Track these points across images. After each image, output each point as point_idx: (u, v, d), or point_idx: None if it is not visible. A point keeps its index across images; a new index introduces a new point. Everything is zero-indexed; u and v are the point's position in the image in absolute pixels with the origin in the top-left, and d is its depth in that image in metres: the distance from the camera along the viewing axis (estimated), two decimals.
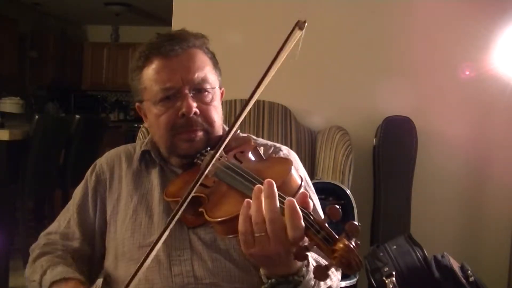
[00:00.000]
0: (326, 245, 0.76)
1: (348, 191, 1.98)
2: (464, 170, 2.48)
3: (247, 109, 0.92)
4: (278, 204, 0.81)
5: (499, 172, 2.48)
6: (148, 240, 1.09)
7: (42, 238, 1.21)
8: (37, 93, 6.87)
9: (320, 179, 2.10)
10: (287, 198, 0.81)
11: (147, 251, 0.88)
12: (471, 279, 1.73)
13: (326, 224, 0.79)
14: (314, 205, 1.15)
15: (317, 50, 2.39)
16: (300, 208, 0.80)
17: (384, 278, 1.68)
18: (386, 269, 1.74)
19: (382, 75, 2.46)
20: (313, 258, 0.96)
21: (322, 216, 1.15)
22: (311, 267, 0.89)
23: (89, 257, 1.20)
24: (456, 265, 1.80)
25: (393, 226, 2.25)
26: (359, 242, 0.76)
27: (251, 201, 0.83)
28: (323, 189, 1.93)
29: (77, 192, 1.24)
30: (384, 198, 2.28)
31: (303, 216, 0.80)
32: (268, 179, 0.83)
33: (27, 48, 6.64)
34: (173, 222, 0.89)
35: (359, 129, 2.40)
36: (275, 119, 2.31)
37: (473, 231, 2.51)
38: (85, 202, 1.21)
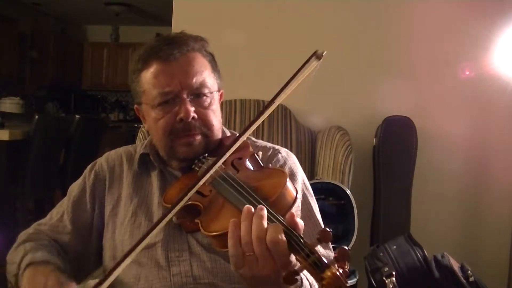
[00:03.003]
0: (315, 270, 0.76)
1: (348, 191, 1.97)
2: (464, 170, 2.48)
3: (248, 133, 0.95)
4: (265, 225, 0.80)
5: (499, 172, 2.47)
6: (147, 243, 1.09)
7: (32, 228, 1.21)
8: (37, 93, 6.86)
9: (320, 179, 2.10)
10: (273, 225, 0.80)
11: (130, 252, 0.87)
12: (471, 279, 1.73)
13: (317, 248, 0.78)
14: (312, 209, 1.16)
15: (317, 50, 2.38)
16: (290, 231, 0.80)
17: (384, 278, 1.68)
18: (386, 269, 1.74)
19: (382, 75, 2.45)
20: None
21: (320, 220, 1.16)
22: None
23: (78, 254, 1.18)
24: (456, 265, 1.79)
25: (393, 226, 2.25)
26: (347, 269, 0.76)
27: (236, 221, 0.82)
28: (323, 189, 1.92)
29: (74, 188, 1.24)
30: (384, 198, 2.28)
31: (293, 239, 0.79)
32: (260, 206, 0.83)
33: (27, 48, 6.64)
34: (159, 227, 0.89)
35: (359, 129, 2.40)
36: (275, 119, 2.31)
37: (473, 231, 2.51)
38: (81, 198, 1.21)
